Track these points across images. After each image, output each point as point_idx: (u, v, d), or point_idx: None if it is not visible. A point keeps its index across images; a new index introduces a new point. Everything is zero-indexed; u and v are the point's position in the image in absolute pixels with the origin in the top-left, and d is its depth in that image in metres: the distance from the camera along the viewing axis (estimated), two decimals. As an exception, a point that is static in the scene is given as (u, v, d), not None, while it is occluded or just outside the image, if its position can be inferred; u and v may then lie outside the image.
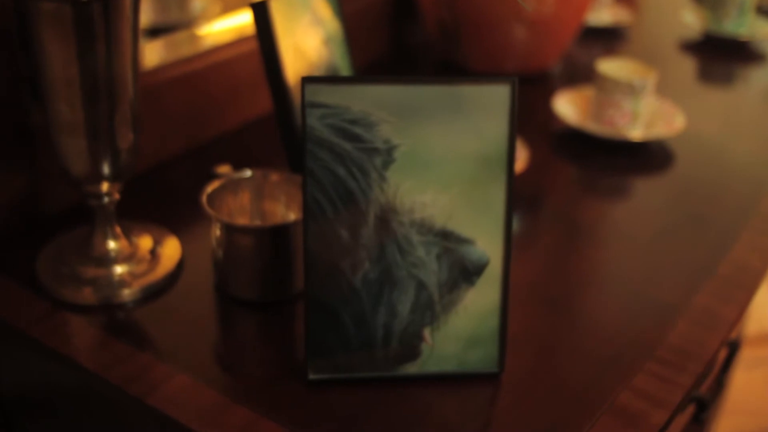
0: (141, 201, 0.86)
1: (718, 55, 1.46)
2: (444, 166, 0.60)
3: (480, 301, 0.63)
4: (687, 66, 1.41)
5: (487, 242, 0.62)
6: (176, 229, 0.81)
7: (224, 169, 0.76)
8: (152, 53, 0.95)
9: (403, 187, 0.60)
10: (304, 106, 0.58)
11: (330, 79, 0.59)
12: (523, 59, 1.23)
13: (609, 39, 1.49)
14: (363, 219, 0.60)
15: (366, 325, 0.62)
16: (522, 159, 0.93)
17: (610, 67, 1.08)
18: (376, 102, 0.59)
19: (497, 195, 0.61)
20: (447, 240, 0.61)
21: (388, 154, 0.59)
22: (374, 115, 0.59)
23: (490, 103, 0.59)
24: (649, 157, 1.05)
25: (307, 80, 0.58)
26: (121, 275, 0.74)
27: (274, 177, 0.75)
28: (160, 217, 0.83)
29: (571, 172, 1.02)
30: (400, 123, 0.59)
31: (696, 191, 0.97)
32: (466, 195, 0.61)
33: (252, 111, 1.05)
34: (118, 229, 0.75)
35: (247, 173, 0.75)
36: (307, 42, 0.83)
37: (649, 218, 0.91)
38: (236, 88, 1.01)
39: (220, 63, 0.98)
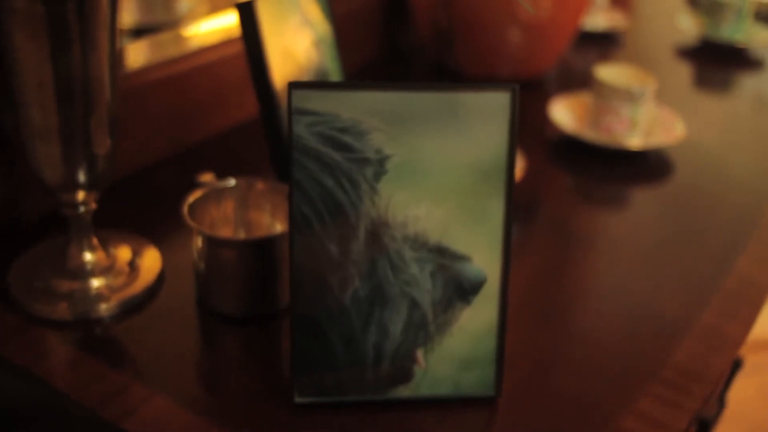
0: (120, 208, 0.82)
1: (715, 62, 1.43)
2: (439, 177, 0.57)
3: (476, 321, 0.59)
4: (683, 72, 1.38)
5: (484, 259, 0.58)
6: (157, 239, 0.77)
7: (207, 177, 0.72)
8: (136, 54, 0.91)
9: (396, 199, 0.56)
10: (290, 113, 0.55)
11: (319, 84, 0.55)
12: (518, 63, 1.20)
13: (604, 44, 1.46)
14: (353, 233, 0.57)
15: (356, 346, 0.58)
16: (519, 168, 0.89)
17: (608, 72, 1.04)
18: (368, 109, 0.55)
19: (495, 208, 0.57)
20: (442, 256, 0.58)
21: (379, 164, 0.56)
22: (365, 123, 0.55)
23: (489, 111, 0.56)
24: (648, 165, 1.02)
25: (294, 86, 0.54)
26: (97, 289, 0.70)
27: (260, 186, 0.72)
28: (140, 226, 0.79)
29: (568, 181, 0.99)
30: (393, 131, 0.56)
31: (696, 201, 0.94)
32: (463, 208, 0.57)
33: (239, 115, 1.01)
34: (94, 240, 0.71)
35: (231, 182, 0.72)
36: (296, 44, 0.80)
37: (649, 229, 0.88)
38: (222, 91, 0.98)
39: (205, 65, 0.95)
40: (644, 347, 0.68)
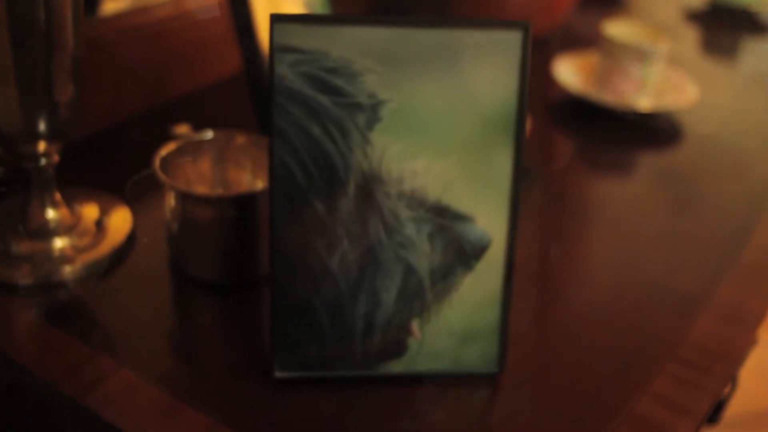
0: (90, 165, 0.75)
1: (726, 26, 1.37)
2: (440, 127, 0.50)
3: (479, 290, 0.53)
4: (693, 37, 1.31)
5: (488, 220, 0.52)
6: (129, 198, 0.70)
7: (183, 129, 0.65)
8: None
9: (391, 151, 0.50)
10: (272, 50, 0.48)
11: (305, 18, 0.48)
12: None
13: (609, 7, 1.39)
14: (342, 189, 0.50)
15: (343, 316, 0.52)
16: (527, 126, 0.82)
17: (617, 30, 0.98)
18: (361, 47, 0.48)
19: (503, 164, 0.51)
20: (441, 216, 0.51)
21: (373, 111, 0.49)
22: (358, 63, 0.49)
23: (498, 53, 0.50)
24: (658, 129, 0.96)
25: (276, 18, 0.48)
26: (61, 250, 0.63)
27: (240, 139, 0.65)
28: (111, 184, 0.72)
29: (573, 145, 0.93)
30: (389, 74, 0.49)
31: (709, 168, 0.88)
32: (466, 163, 0.51)
33: (224, 68, 0.94)
34: (57, 197, 0.65)
35: (209, 135, 0.65)
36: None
37: (661, 198, 0.81)
38: (205, 41, 0.90)
39: (186, 13, 0.87)
40: (660, 324, 0.62)
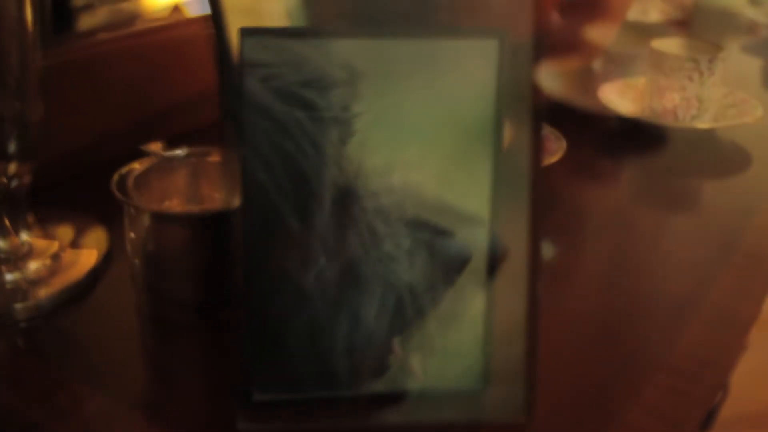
0: (67, 186, 0.74)
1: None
2: (417, 139, 0.49)
3: (461, 304, 0.52)
4: (752, 68, 1.23)
5: (469, 233, 0.50)
6: (107, 219, 0.68)
7: (155, 147, 0.64)
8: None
9: (366, 165, 0.49)
10: (242, 65, 0.47)
11: (276, 31, 0.47)
12: (560, 52, 1.09)
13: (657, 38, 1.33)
14: (317, 205, 0.49)
15: (322, 337, 0.51)
16: (560, 151, 0.78)
17: (667, 45, 0.90)
18: (334, 60, 0.47)
19: (482, 176, 0.50)
20: (420, 231, 0.50)
21: (347, 124, 0.48)
22: (331, 76, 0.47)
23: (475, 62, 0.48)
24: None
25: (246, 32, 0.46)
26: (33, 273, 0.62)
27: (215, 157, 0.64)
28: (88, 205, 0.71)
29: (621, 170, 0.86)
30: (363, 86, 0.48)
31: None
32: (444, 175, 0.50)
33: (206, 84, 0.92)
34: (31, 219, 0.63)
35: (181, 152, 0.63)
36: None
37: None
38: (187, 57, 0.88)
39: (168, 27, 0.86)
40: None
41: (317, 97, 0.47)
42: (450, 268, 0.51)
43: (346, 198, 0.49)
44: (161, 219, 0.58)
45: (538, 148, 0.50)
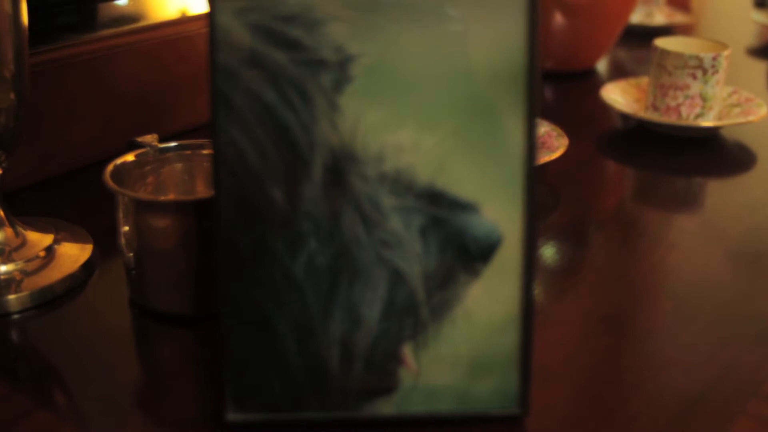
0: (64, 180, 0.70)
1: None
2: (430, 88, 0.39)
3: (490, 303, 0.41)
4: (758, 71, 1.18)
5: (497, 208, 0.40)
6: (103, 212, 0.61)
7: (150, 138, 0.56)
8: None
9: (367, 120, 0.39)
10: (212, -5, 0.38)
11: (255, -42, 0.39)
12: (563, 53, 1.03)
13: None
14: (305, 171, 0.39)
15: (314, 338, 0.40)
16: (562, 147, 0.71)
17: (671, 43, 0.86)
18: (323, -12, 0.38)
19: (512, 133, 0.40)
20: (436, 205, 0.40)
21: (341, 69, 0.39)
22: (320, 8, 0.38)
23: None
24: (722, 150, 0.83)
25: (215, -46, 0.38)
26: (26, 265, 0.55)
27: (208, 149, 0.55)
28: (84, 198, 0.66)
29: (631, 176, 0.80)
30: (360, 21, 0.38)
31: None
32: (466, 134, 0.39)
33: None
34: (1, 214, 0.56)
35: (173, 144, 0.56)
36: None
37: (729, 219, 0.68)
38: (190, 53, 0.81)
39: (171, 23, 0.79)
40: (737, 357, 0.49)
41: (304, 35, 0.38)
42: (475, 253, 0.40)
43: (342, 162, 0.39)
44: (153, 207, 0.50)
45: (533, 127, 0.39)
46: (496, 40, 0.39)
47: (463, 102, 0.39)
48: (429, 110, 0.39)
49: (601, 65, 1.11)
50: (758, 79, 1.12)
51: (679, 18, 1.33)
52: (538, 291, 0.56)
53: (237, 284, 0.40)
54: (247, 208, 0.39)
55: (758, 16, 1.33)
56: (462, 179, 0.39)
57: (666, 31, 1.30)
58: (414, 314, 0.40)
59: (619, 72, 1.10)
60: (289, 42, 0.38)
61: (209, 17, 0.38)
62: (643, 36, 1.26)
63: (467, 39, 0.39)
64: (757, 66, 1.19)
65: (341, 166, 0.39)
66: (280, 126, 0.39)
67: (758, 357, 0.48)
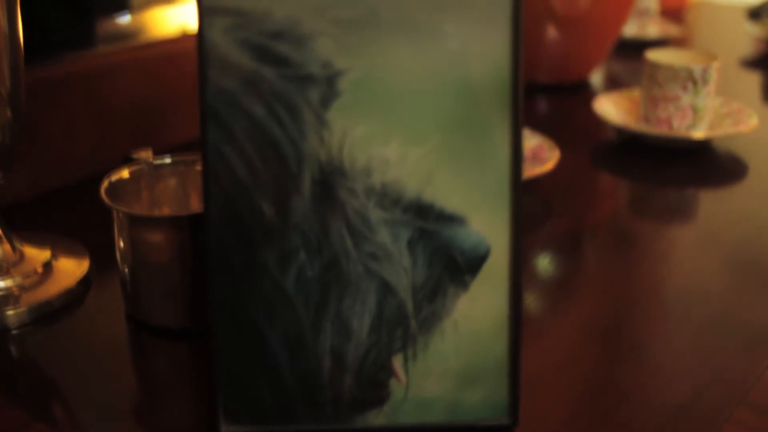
0: (61, 195, 0.70)
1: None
2: (416, 102, 0.40)
3: (478, 314, 0.41)
4: (752, 83, 1.19)
5: (485, 221, 0.40)
6: (99, 228, 0.61)
7: (145, 153, 0.56)
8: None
9: (354, 135, 0.39)
10: (200, 13, 0.39)
11: (243, -24, 0.39)
12: (556, 65, 1.04)
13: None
14: (294, 185, 0.40)
15: (305, 351, 0.41)
16: (553, 159, 0.72)
17: (661, 56, 0.87)
18: (311, 5, 0.39)
19: (498, 146, 0.40)
20: (424, 218, 0.40)
21: (328, 84, 0.39)
22: (307, 24, 0.39)
23: (482, 8, 0.39)
24: (714, 162, 0.83)
25: (204, -27, 0.39)
26: (24, 281, 0.56)
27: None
28: (81, 213, 0.67)
29: (624, 188, 0.81)
30: (347, 37, 0.39)
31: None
32: (452, 148, 0.40)
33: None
34: (-1, 230, 0.56)
35: (167, 159, 0.56)
36: None
37: (720, 230, 0.69)
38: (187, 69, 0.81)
39: (169, 41, 0.80)
40: (726, 365, 0.49)
41: (291, 51, 0.39)
42: (463, 266, 0.40)
43: (330, 176, 0.40)
44: (147, 222, 0.51)
45: (518, 139, 0.40)
46: (481, 55, 0.40)
47: (448, 116, 0.40)
48: (415, 124, 0.40)
49: (596, 77, 1.12)
50: (752, 91, 1.12)
51: (672, 30, 1.34)
52: (530, 301, 0.57)
53: (228, 297, 0.40)
54: (237, 222, 0.40)
55: (752, 28, 1.33)
56: (449, 192, 0.40)
57: (660, 43, 1.31)
58: (403, 326, 0.41)
59: (613, 84, 1.10)
60: (277, 58, 0.39)
61: (198, 34, 0.39)
62: (638, 48, 1.26)
63: (453, 54, 0.39)
64: (751, 78, 1.19)
65: (329, 180, 0.40)
66: (268, 141, 0.39)
67: (746, 365, 0.49)
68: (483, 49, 0.39)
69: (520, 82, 0.40)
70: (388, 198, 0.40)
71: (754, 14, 1.38)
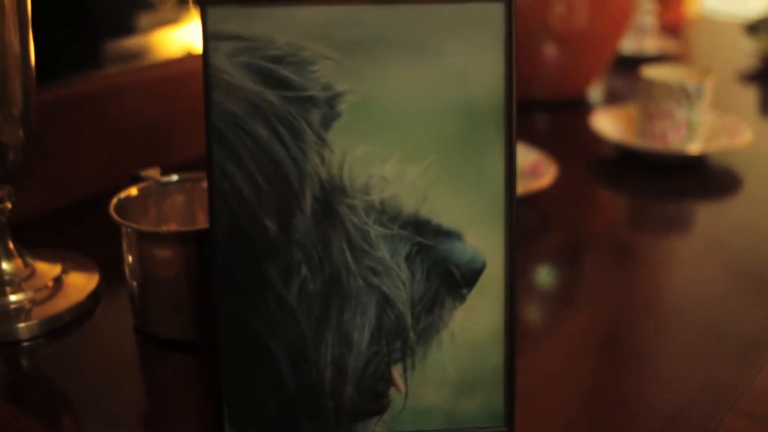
0: (71, 213, 0.72)
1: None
2: (413, 122, 0.41)
3: (474, 326, 0.43)
4: (749, 97, 1.20)
5: (480, 236, 0.42)
6: (109, 244, 0.63)
7: (152, 172, 0.58)
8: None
9: (354, 154, 0.41)
10: (206, 39, 0.41)
11: None
12: (553, 82, 1.05)
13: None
14: (297, 203, 0.41)
15: (307, 362, 0.42)
16: (550, 174, 0.73)
17: (657, 72, 0.88)
18: (311, 30, 0.41)
19: (492, 163, 0.42)
20: (421, 233, 0.42)
21: (329, 105, 0.41)
22: (308, 49, 0.41)
23: (477, 30, 0.41)
24: (710, 176, 0.85)
25: (208, 1, 0.40)
26: (13, 304, 0.57)
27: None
28: (90, 230, 0.68)
29: (620, 202, 0.82)
30: (347, 60, 0.41)
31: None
32: (448, 165, 0.42)
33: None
34: (11, 246, 0.58)
35: (174, 177, 0.58)
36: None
37: (716, 242, 0.70)
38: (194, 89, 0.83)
39: (176, 61, 0.82)
40: (719, 372, 0.50)
41: (293, 74, 0.41)
42: (459, 279, 0.42)
43: (331, 194, 0.41)
44: (155, 238, 0.53)
45: (512, 156, 0.42)
46: (476, 75, 0.41)
47: (445, 134, 0.41)
48: (413, 143, 0.41)
49: (595, 93, 1.13)
50: (749, 105, 1.14)
51: (670, 46, 1.35)
52: (528, 312, 0.58)
53: (234, 310, 0.42)
54: (242, 237, 0.41)
55: (750, 43, 1.35)
56: (445, 208, 0.42)
57: (658, 59, 1.32)
58: (402, 337, 0.42)
59: (612, 99, 1.12)
60: (279, 81, 0.41)
61: (203, 58, 0.41)
62: (636, 64, 1.28)
63: (449, 74, 0.41)
64: (749, 92, 1.21)
65: (330, 198, 0.41)
66: (272, 160, 0.41)
67: (738, 373, 0.50)
68: (478, 70, 0.41)
69: (513, 101, 0.41)
70: (387, 214, 0.41)
71: (752, 29, 1.40)
